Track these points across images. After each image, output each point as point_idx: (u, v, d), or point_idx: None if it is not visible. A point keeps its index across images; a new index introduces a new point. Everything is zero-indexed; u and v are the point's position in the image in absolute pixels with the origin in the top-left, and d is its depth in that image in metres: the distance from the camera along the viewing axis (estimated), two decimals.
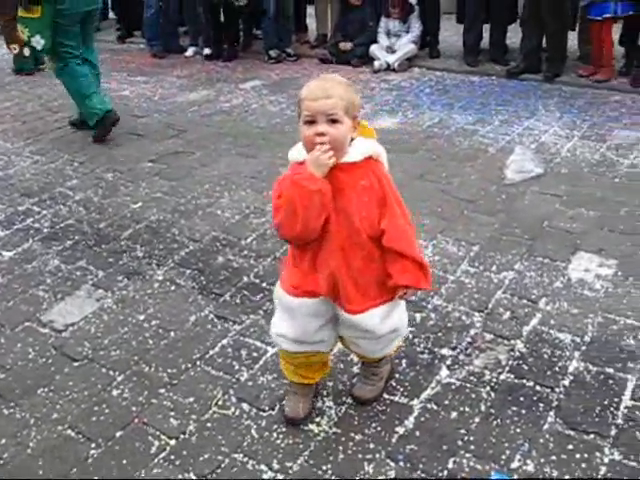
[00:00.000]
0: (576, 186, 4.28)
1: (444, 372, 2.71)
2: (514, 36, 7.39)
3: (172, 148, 5.22)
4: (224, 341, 2.93)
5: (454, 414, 2.51)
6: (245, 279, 3.37)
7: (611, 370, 2.70)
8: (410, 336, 2.90)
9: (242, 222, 3.96)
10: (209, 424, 2.50)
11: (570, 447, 2.36)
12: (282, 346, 2.40)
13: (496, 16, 7.18)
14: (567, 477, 2.24)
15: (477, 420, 2.48)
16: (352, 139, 2.10)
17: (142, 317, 3.11)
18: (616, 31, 6.77)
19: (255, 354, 2.84)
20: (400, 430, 2.45)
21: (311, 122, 2.03)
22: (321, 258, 2.18)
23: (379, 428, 2.46)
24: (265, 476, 2.29)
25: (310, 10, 8.75)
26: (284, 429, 2.46)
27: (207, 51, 8.18)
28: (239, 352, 2.86)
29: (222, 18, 7.77)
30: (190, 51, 8.35)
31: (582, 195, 4.16)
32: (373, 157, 2.14)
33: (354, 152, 2.10)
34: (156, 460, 2.36)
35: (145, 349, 2.90)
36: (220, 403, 2.60)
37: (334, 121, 2.02)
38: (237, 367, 2.78)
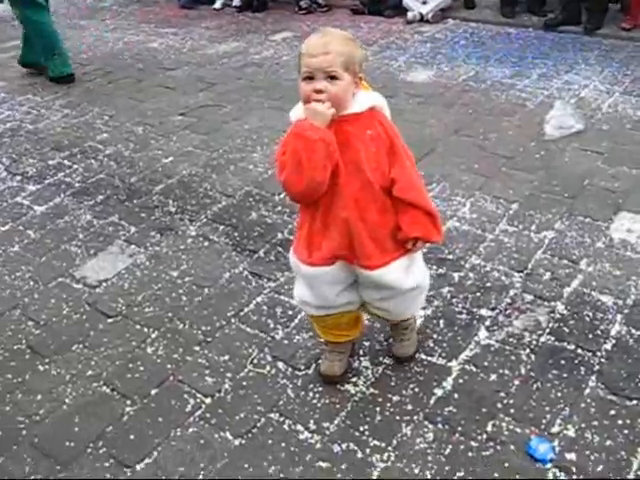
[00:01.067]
0: (618, 143, 4.15)
1: (483, 333, 2.66)
2: None
3: (202, 101, 5.15)
4: (258, 299, 2.90)
5: (493, 376, 2.46)
6: (279, 235, 3.33)
7: None
8: (448, 296, 2.85)
9: (275, 177, 3.89)
10: (244, 382, 2.49)
11: (612, 413, 2.31)
12: (308, 311, 2.37)
13: None
14: (608, 443, 2.20)
15: (517, 383, 2.43)
16: (354, 94, 2.04)
17: (175, 273, 3.09)
18: None
19: (290, 312, 2.81)
20: (438, 392, 2.41)
21: (310, 78, 1.98)
22: (334, 214, 2.11)
23: (417, 389, 2.42)
24: (301, 436, 2.27)
25: None
26: (320, 389, 2.44)
27: (236, 2, 8.03)
28: (274, 310, 2.83)
29: None
30: (218, 3, 8.18)
31: (624, 153, 4.03)
32: (376, 107, 2.09)
33: (357, 104, 2.05)
34: (191, 419, 2.35)
35: (179, 306, 2.88)
36: (255, 361, 2.58)
37: (333, 77, 1.96)
38: (272, 325, 2.75)
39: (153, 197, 3.75)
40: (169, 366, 2.58)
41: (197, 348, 2.65)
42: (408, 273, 2.25)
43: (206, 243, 3.30)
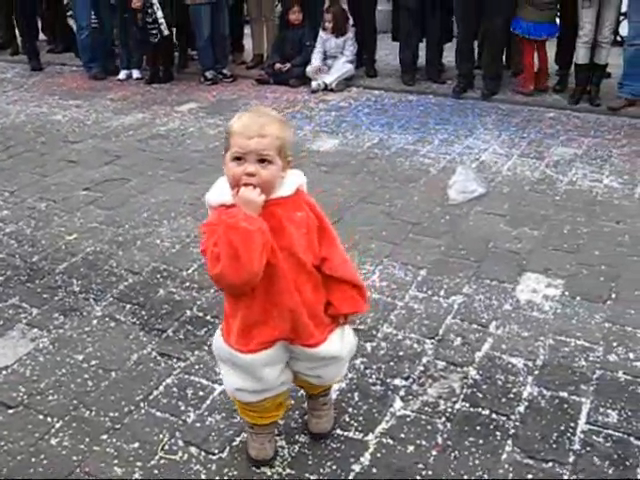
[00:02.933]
0: (519, 205, 4.30)
1: (398, 404, 2.64)
2: (450, 55, 7.45)
3: (107, 175, 5.05)
4: (168, 380, 2.80)
5: (410, 448, 2.44)
6: (188, 312, 3.25)
7: (565, 394, 2.68)
8: (362, 367, 2.83)
9: (182, 252, 3.83)
10: (156, 471, 2.37)
11: (529, 477, 2.32)
12: (244, 399, 2.28)
13: (431, 35, 7.22)
14: None
15: (434, 453, 2.41)
16: (282, 177, 2.01)
17: (80, 357, 2.96)
18: (552, 48, 6.92)
19: (202, 393, 2.72)
20: (356, 467, 2.36)
21: (240, 159, 1.93)
22: (274, 300, 2.07)
23: (334, 467, 2.37)
24: None
25: (246, 30, 8.68)
26: (235, 472, 2.36)
27: (136, 74, 8.02)
28: (185, 391, 2.74)
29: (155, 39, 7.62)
30: (122, 74, 8.14)
31: (525, 214, 4.17)
32: (301, 187, 2.09)
33: (285, 186, 2.03)
34: None
35: (84, 392, 2.75)
36: (167, 447, 2.47)
37: (265, 161, 1.93)
38: (183, 408, 2.65)
39: (56, 277, 3.61)
40: (75, 458, 2.43)
41: (105, 436, 2.52)
42: (343, 340, 2.26)
43: (112, 324, 3.18)
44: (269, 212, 1.97)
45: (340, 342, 2.25)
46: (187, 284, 3.49)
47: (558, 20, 6.79)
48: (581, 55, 6.38)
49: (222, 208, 1.97)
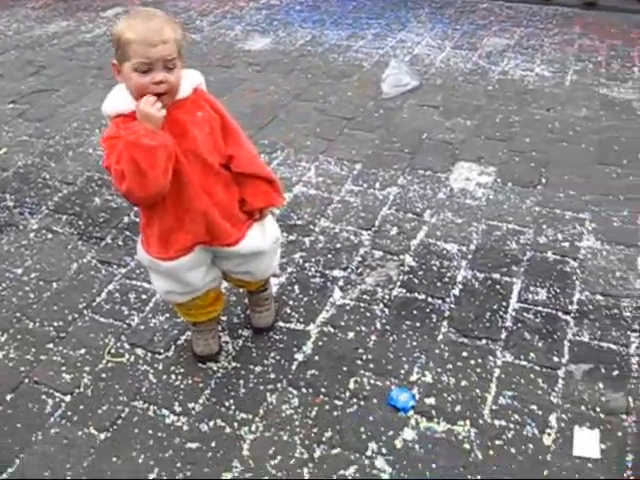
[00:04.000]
0: (452, 96, 4.32)
1: (337, 294, 2.72)
2: None
3: (34, 86, 4.87)
4: (110, 286, 2.82)
5: (351, 335, 2.52)
6: (125, 219, 3.24)
7: (497, 275, 2.79)
8: (301, 261, 2.89)
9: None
10: (104, 374, 2.41)
11: (464, 354, 2.43)
12: (174, 300, 2.33)
13: None
14: (463, 383, 2.31)
15: (373, 338, 2.51)
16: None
17: (20, 271, 2.94)
18: None
19: (144, 296, 2.75)
20: (299, 357, 2.45)
21: (146, 70, 1.85)
22: (186, 207, 2.07)
23: (278, 357, 2.45)
24: (168, 420, 2.24)
25: None
26: (182, 370, 2.42)
27: None
28: (127, 296, 2.76)
29: None
30: None
31: (458, 105, 4.20)
32: (199, 86, 2.05)
33: (183, 87, 1.97)
34: (52, 419, 2.26)
35: (27, 304, 2.75)
36: (113, 351, 2.51)
37: (170, 66, 1.87)
38: (127, 312, 2.68)
39: None
40: (22, 368, 2.46)
41: (51, 346, 2.54)
42: (264, 235, 2.28)
43: (50, 235, 3.16)
44: (171, 117, 1.92)
45: (261, 237, 2.26)
46: None
47: None
48: None
49: (120, 119, 1.93)
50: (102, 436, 2.20)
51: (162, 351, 2.50)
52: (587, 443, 2.13)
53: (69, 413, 2.27)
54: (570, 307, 2.63)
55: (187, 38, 1.93)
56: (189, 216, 2.09)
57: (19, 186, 3.57)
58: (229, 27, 5.83)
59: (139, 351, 2.50)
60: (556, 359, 2.41)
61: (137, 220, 3.16)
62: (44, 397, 2.34)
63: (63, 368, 2.45)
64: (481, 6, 6.28)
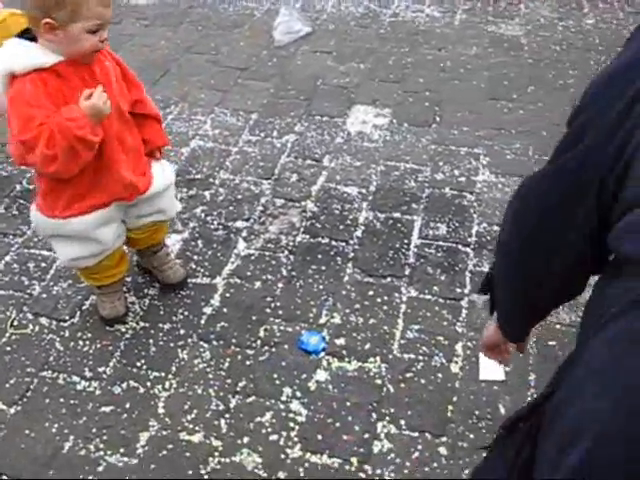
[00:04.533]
0: (345, 41, 4.31)
1: (241, 245, 2.71)
2: None
3: None
4: (7, 258, 2.71)
5: (258, 284, 2.53)
6: (18, 187, 3.10)
7: (398, 214, 2.84)
8: (202, 215, 2.85)
9: (3, 126, 3.60)
10: (8, 347, 2.34)
11: (371, 293, 2.48)
12: (81, 265, 2.27)
13: None
14: (372, 321, 2.36)
15: (280, 285, 2.52)
16: None
17: None
18: None
19: (44, 264, 2.67)
20: (207, 310, 2.44)
21: (97, 30, 1.83)
22: (105, 165, 2.04)
23: (186, 313, 2.43)
24: (79, 387, 2.20)
25: None
26: (89, 335, 2.37)
27: None
28: (26, 265, 2.67)
29: None
30: None
31: (351, 49, 4.19)
32: None
33: None
34: None
35: None
36: (16, 323, 2.43)
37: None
38: (27, 282, 2.59)
39: None
40: None
41: None
42: (165, 169, 2.30)
43: None
44: (93, 73, 1.94)
45: (163, 172, 2.28)
46: (11, 159, 3.31)
47: None
48: None
49: (35, 74, 1.84)
50: (12, 410, 2.14)
51: (67, 318, 2.44)
52: (492, 367, 2.21)
53: None
54: (469, 239, 2.71)
55: None
56: (108, 171, 2.05)
57: None
58: None
59: (43, 320, 2.44)
60: (459, 290, 2.49)
61: (30, 187, 3.05)
62: None
63: None
64: None
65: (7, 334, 2.39)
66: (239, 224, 2.81)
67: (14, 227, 2.87)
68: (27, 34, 1.88)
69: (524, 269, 1.16)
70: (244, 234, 2.76)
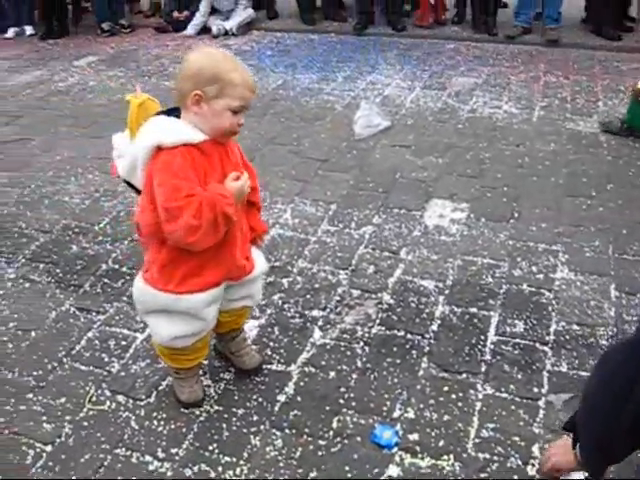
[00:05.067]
0: (423, 135, 4.40)
1: (317, 334, 2.73)
2: None
3: (8, 136, 4.90)
4: (89, 334, 2.81)
5: (332, 374, 2.53)
6: (103, 266, 3.24)
7: (475, 309, 2.82)
8: (280, 302, 2.90)
9: (93, 207, 3.79)
10: (85, 423, 2.39)
11: (445, 389, 2.45)
12: (177, 345, 2.28)
13: None
14: (446, 417, 2.33)
15: (355, 376, 2.52)
16: None
17: None
18: None
19: (124, 342, 2.75)
20: (281, 398, 2.45)
21: (238, 111, 1.97)
22: (228, 241, 2.11)
23: (260, 399, 2.44)
24: (151, 467, 2.22)
25: None
26: (164, 415, 2.40)
27: (29, 30, 7.71)
28: (107, 343, 2.75)
29: None
30: (10, 32, 7.78)
31: (429, 143, 4.28)
32: None
33: None
34: (34, 470, 2.23)
35: (5, 354, 2.73)
36: (94, 399, 2.49)
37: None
38: (107, 359, 2.67)
39: None
40: (2, 419, 2.43)
41: (30, 395, 2.52)
42: (260, 257, 2.37)
43: (27, 284, 3.15)
44: (228, 155, 2.07)
45: (260, 258, 2.36)
46: (100, 238, 3.46)
47: None
48: None
49: (184, 148, 1.94)
50: None
51: (144, 397, 2.49)
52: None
53: (50, 463, 2.25)
54: (547, 338, 2.67)
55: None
56: (227, 250, 2.13)
57: None
58: None
59: (120, 398, 2.49)
60: (536, 390, 2.44)
61: (115, 267, 3.18)
62: (24, 448, 2.31)
63: (43, 418, 2.42)
64: (448, 47, 6.43)
65: (85, 409, 2.44)
66: (315, 313, 2.84)
67: (97, 304, 2.97)
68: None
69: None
70: (320, 323, 2.78)
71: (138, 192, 2.13)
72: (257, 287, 2.40)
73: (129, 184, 2.17)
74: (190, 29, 7.29)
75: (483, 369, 2.53)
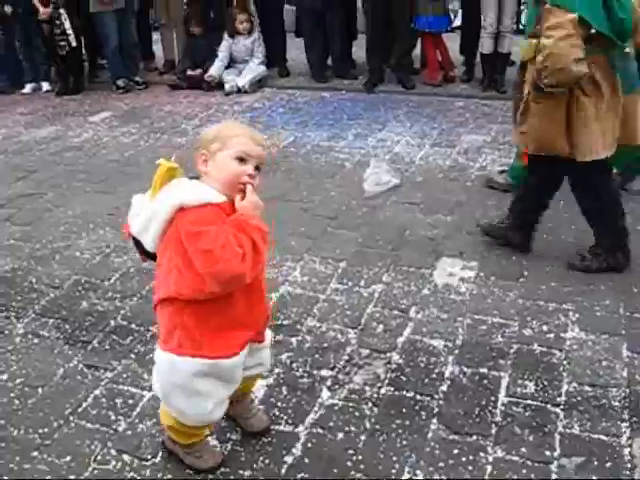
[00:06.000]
0: (432, 193, 4.43)
1: (325, 394, 2.71)
2: (360, 50, 7.56)
3: (21, 191, 4.95)
4: (97, 391, 2.79)
5: (340, 435, 2.50)
6: (112, 322, 3.24)
7: (485, 370, 2.79)
8: (288, 361, 2.89)
9: (103, 262, 3.81)
10: None
11: (455, 451, 2.41)
12: (209, 420, 2.25)
13: (332, 34, 7.25)
14: None
15: (363, 438, 2.49)
16: None
17: (5, 376, 2.91)
18: (457, 40, 7.15)
19: (131, 401, 2.73)
20: (289, 459, 2.41)
21: (243, 160, 2.01)
22: (256, 297, 2.15)
23: (267, 461, 2.41)
24: None
25: (155, 36, 8.64)
26: (170, 476, 2.37)
27: (46, 86, 7.87)
28: (114, 401, 2.73)
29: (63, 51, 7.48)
30: (28, 88, 7.95)
31: (438, 201, 4.30)
32: None
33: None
34: None
35: (11, 411, 2.71)
36: (99, 458, 2.47)
37: (257, 169, 2.05)
38: (113, 417, 2.65)
39: None
40: (6, 478, 2.41)
41: (35, 453, 2.50)
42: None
43: (36, 340, 3.15)
44: None
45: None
46: (109, 294, 3.47)
47: (460, 12, 7.04)
48: (486, 45, 6.59)
49: (207, 208, 1.96)
50: None
51: (149, 457, 2.46)
52: None
53: None
54: (559, 399, 2.64)
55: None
56: (257, 307, 2.16)
57: (5, 290, 3.58)
58: None
59: (126, 457, 2.46)
60: (548, 453, 2.40)
61: (124, 323, 3.19)
62: None
63: (48, 477, 2.39)
64: (457, 104, 6.51)
65: (90, 468, 2.42)
66: (324, 372, 2.82)
67: (105, 361, 2.96)
68: None
69: None
70: (328, 383, 2.76)
71: (142, 253, 2.16)
72: (268, 353, 2.41)
73: (137, 244, 2.17)
74: (212, 70, 7.39)
75: (494, 431, 2.49)
